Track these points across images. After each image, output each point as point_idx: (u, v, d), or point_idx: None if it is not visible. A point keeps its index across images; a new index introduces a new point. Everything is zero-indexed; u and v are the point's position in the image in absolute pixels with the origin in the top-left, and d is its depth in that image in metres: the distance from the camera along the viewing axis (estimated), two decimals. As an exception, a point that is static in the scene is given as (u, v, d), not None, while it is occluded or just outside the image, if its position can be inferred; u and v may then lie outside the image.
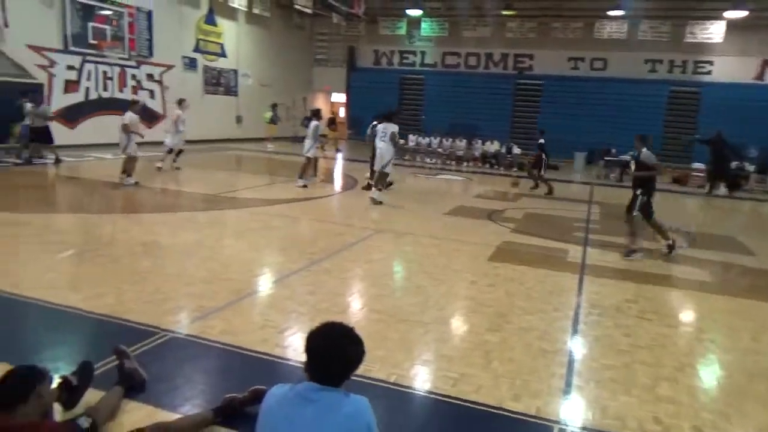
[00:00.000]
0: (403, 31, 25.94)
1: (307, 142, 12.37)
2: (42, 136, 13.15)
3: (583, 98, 23.46)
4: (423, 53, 26.92)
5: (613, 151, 19.35)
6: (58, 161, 13.22)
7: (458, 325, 5.05)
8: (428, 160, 20.82)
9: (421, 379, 3.83)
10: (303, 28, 27.48)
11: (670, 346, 4.75)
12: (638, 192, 7.77)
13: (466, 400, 3.52)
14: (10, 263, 5.67)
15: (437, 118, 24.24)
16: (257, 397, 3.01)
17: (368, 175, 12.52)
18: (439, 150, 21.12)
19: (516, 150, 20.48)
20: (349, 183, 13.73)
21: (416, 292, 5.68)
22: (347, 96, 28.04)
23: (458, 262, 7.01)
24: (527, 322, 4.99)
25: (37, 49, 15.33)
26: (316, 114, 13.09)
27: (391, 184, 11.87)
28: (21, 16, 14.49)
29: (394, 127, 10.96)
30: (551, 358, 4.27)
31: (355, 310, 5.13)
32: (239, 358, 3.93)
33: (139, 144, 11.38)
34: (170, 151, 13.75)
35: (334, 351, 2.08)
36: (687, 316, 5.90)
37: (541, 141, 14.41)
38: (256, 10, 22.54)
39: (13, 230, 6.98)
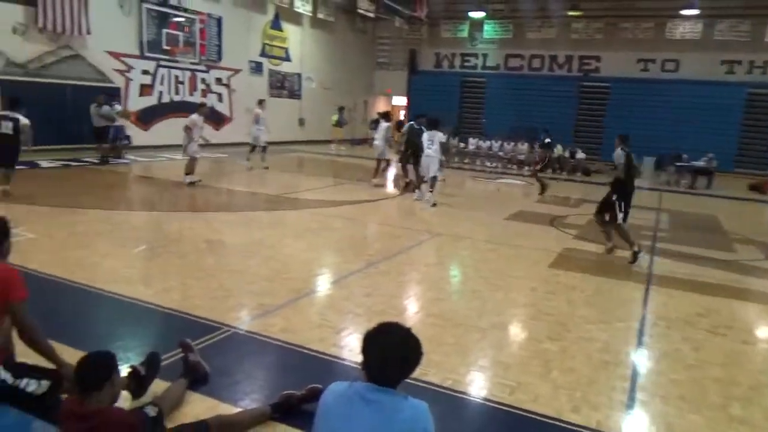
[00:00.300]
0: (465, 34, 25.76)
1: (379, 144, 12.46)
2: (100, 137, 13.78)
3: (652, 101, 22.53)
4: (485, 55, 26.62)
5: (685, 156, 18.45)
6: (106, 161, 13.69)
7: (516, 332, 4.96)
8: (488, 163, 20.54)
9: (477, 386, 3.79)
10: (365, 32, 27.79)
11: (746, 363, 4.48)
12: (613, 196, 7.42)
13: (522, 409, 3.46)
14: (90, 257, 6.03)
15: (498, 121, 23.90)
16: (314, 395, 3.08)
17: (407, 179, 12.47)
18: (500, 153, 20.81)
19: (580, 154, 19.91)
20: (408, 186, 13.72)
21: (473, 297, 5.62)
22: (408, 99, 28.11)
23: (517, 267, 6.88)
24: (588, 332, 4.84)
25: (116, 55, 16.23)
26: (386, 116, 13.18)
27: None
28: (101, 23, 15.37)
29: (442, 137, 10.93)
30: (613, 370, 4.12)
31: (411, 313, 5.13)
32: (297, 355, 4.02)
33: (207, 146, 11.82)
34: (264, 148, 14.42)
35: (391, 352, 2.05)
36: (765, 332, 5.55)
37: (548, 140, 14.07)
38: (320, 15, 22.99)
39: (94, 227, 7.42)
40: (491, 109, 25.46)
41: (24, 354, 2.95)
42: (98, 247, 6.45)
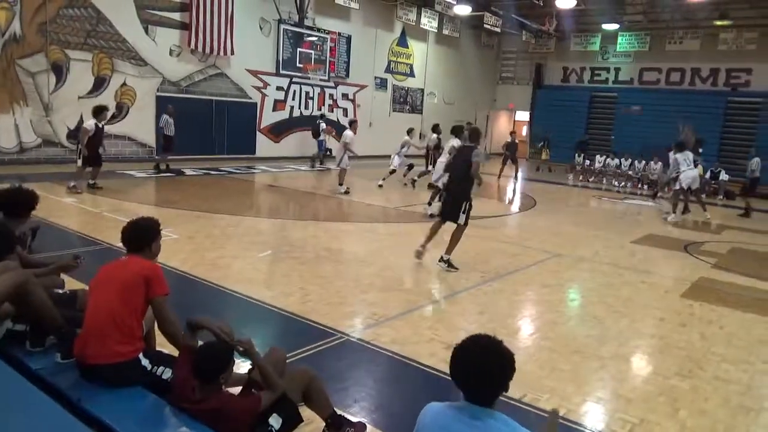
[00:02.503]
0: (596, 47, 24.66)
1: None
2: (169, 145, 13.71)
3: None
4: (617, 69, 25.24)
5: None
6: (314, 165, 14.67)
7: (640, 364, 4.61)
8: (616, 183, 19.39)
9: (594, 418, 3.57)
10: (491, 47, 27.58)
11: None
12: None
13: (644, 449, 3.20)
14: (221, 259, 6.53)
15: (629, 138, 22.49)
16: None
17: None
18: (630, 173, 19.55)
19: (724, 176, 18.15)
20: (528, 203, 13.36)
21: (594, 324, 5.32)
22: (531, 114, 27.41)
23: (644, 295, 6.40)
24: (726, 372, 4.37)
25: (254, 73, 17.55)
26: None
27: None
28: (243, 44, 16.71)
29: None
30: (754, 418, 3.69)
31: (525, 335, 4.96)
32: (406, 368, 4.04)
33: (331, 158, 12.37)
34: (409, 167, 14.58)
35: (472, 365, 1.91)
36: None
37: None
38: (446, 31, 23.18)
39: (227, 230, 8.03)
40: (622, 126, 24.02)
41: (162, 344, 3.26)
42: (229, 250, 6.97)
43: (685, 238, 10.12)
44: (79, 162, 10.24)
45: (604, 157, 20.50)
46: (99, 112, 10.42)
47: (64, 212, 8.32)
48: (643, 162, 19.48)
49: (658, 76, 24.19)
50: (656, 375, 4.28)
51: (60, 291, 3.56)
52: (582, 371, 4.22)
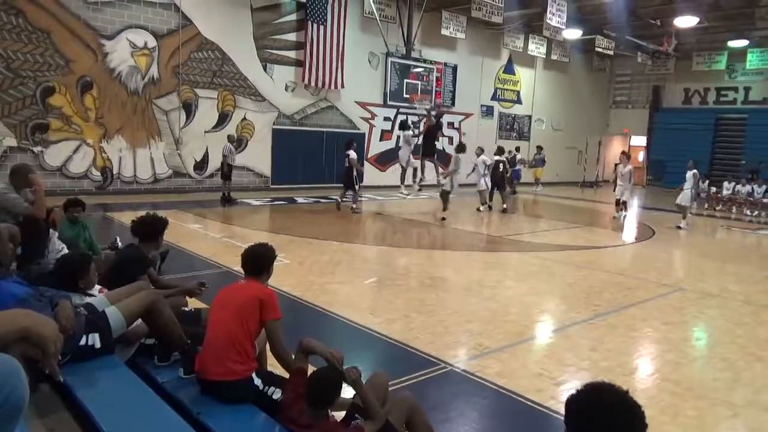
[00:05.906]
0: (722, 66, 22.92)
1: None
2: (226, 174, 13.23)
3: None
4: (747, 89, 23.26)
5: None
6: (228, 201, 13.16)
7: (781, 415, 4.10)
8: (748, 212, 17.66)
9: (725, 472, 3.22)
10: (603, 70, 26.57)
11: None
12: None
13: None
14: (329, 284, 6.75)
15: (762, 163, 20.47)
16: None
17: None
18: (765, 200, 17.75)
19: None
20: (646, 233, 12.53)
21: (723, 366, 4.83)
22: (648, 139, 25.87)
23: (785, 337, 5.73)
24: None
25: (363, 105, 18.19)
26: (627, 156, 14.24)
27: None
28: (353, 77, 17.42)
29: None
30: None
31: (643, 376, 4.61)
32: (512, 402, 3.90)
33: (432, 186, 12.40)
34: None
35: (603, 421, 1.59)
36: None
37: None
38: (554, 57, 22.69)
39: (335, 256, 8.30)
40: (753, 149, 21.95)
41: (273, 365, 3.40)
42: (337, 276, 7.18)
43: (835, 274, 8.95)
44: (357, 187, 12.69)
45: (733, 183, 18.81)
46: (352, 143, 12.72)
47: (190, 238, 9.02)
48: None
49: (795, 94, 22.00)
50: (801, 429, 3.79)
51: (185, 309, 3.85)
52: (710, 419, 3.83)
